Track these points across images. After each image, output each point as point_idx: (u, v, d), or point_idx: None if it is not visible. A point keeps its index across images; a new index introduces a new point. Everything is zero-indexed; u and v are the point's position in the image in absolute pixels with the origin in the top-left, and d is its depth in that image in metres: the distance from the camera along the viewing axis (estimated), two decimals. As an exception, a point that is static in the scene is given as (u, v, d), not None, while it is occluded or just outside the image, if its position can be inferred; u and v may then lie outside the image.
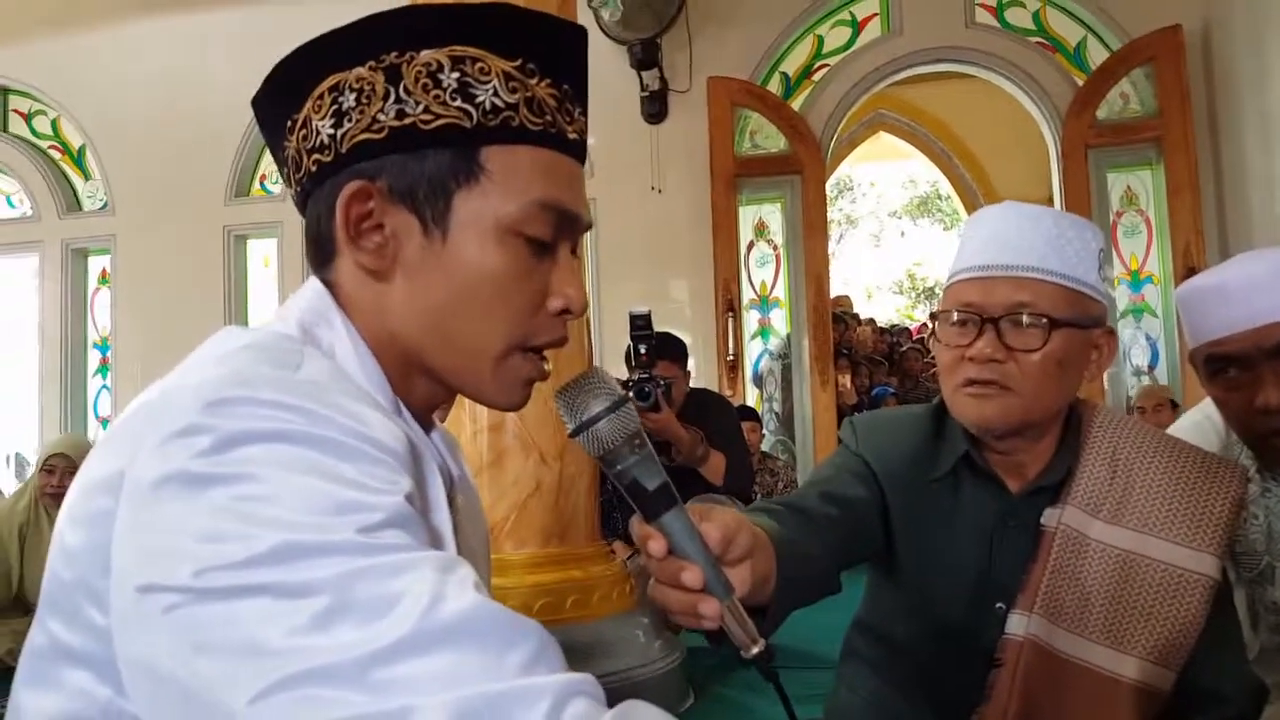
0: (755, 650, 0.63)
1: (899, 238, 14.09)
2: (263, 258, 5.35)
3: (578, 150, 0.66)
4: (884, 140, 8.19)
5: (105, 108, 5.37)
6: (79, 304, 5.53)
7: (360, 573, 0.46)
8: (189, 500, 0.48)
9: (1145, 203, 4.47)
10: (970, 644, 0.99)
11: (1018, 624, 0.96)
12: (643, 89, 4.77)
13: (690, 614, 0.62)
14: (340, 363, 0.61)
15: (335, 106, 0.61)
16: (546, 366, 0.67)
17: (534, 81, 0.62)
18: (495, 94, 0.61)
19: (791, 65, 4.87)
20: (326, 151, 0.62)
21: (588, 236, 3.98)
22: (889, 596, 1.09)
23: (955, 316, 0.97)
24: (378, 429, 0.54)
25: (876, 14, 4.79)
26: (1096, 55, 4.54)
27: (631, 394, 2.46)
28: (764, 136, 4.78)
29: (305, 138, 0.63)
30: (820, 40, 4.85)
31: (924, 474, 1.03)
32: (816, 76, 4.83)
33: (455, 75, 0.60)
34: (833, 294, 5.04)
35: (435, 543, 0.59)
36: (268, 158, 5.33)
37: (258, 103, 0.66)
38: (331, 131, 0.61)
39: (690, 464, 2.53)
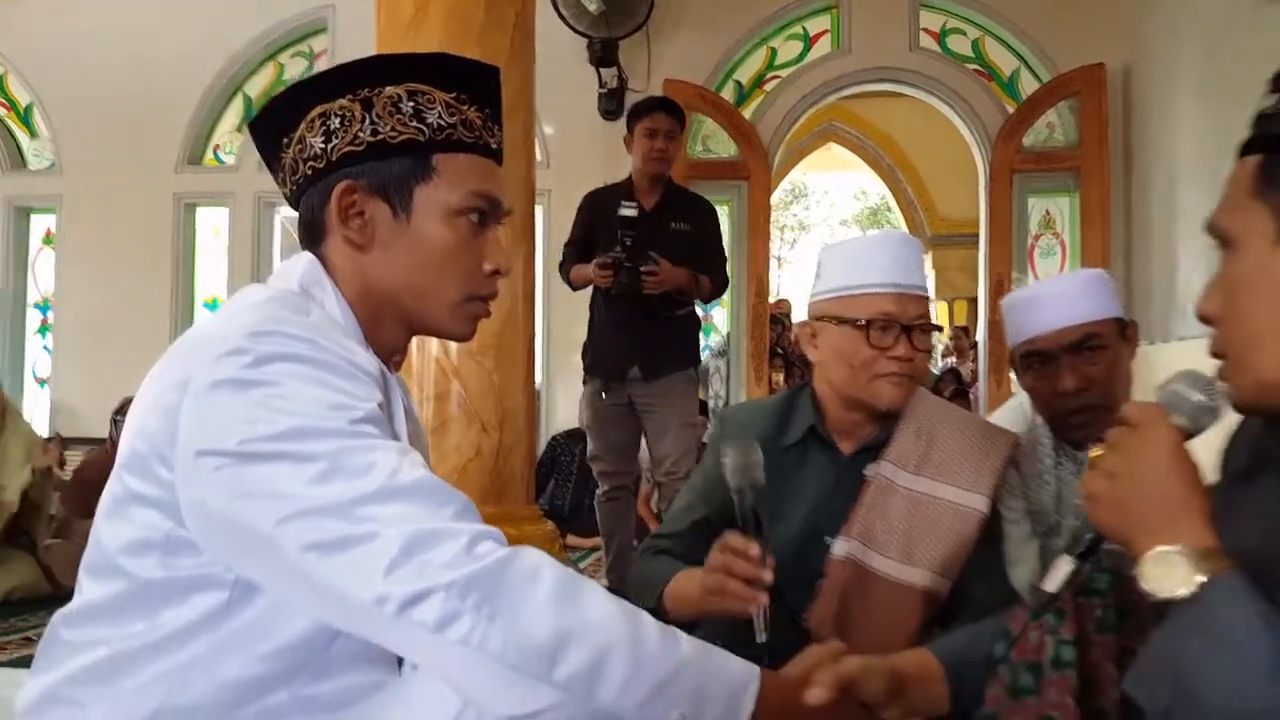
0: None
1: (847, 246, 14.45)
2: (213, 227, 5.34)
3: (498, 156, 0.92)
4: (834, 151, 8.47)
5: (56, 66, 5.27)
6: (20, 263, 5.46)
7: (348, 449, 0.71)
8: (235, 396, 0.73)
9: (1061, 226, 4.79)
10: (806, 564, 1.26)
11: (840, 547, 1.25)
12: (601, 85, 4.92)
13: (753, 578, 1.00)
14: (329, 313, 0.86)
15: (324, 127, 0.86)
16: (489, 308, 0.94)
17: (466, 108, 0.89)
18: (440, 116, 0.87)
19: (745, 74, 5.07)
20: (320, 160, 0.87)
21: (539, 227, 4.05)
22: None
23: (878, 323, 1.23)
24: (360, 358, 0.79)
25: (828, 30, 5.02)
26: (1028, 86, 4.83)
27: (623, 273, 2.63)
28: (715, 141, 4.99)
29: (300, 150, 0.88)
30: (773, 52, 5.07)
31: (778, 442, 1.31)
32: (768, 87, 5.05)
33: (411, 104, 0.86)
34: (779, 296, 5.24)
35: (397, 440, 0.81)
36: (223, 127, 5.31)
37: (255, 124, 0.91)
38: (323, 145, 0.86)
39: (687, 295, 2.83)
